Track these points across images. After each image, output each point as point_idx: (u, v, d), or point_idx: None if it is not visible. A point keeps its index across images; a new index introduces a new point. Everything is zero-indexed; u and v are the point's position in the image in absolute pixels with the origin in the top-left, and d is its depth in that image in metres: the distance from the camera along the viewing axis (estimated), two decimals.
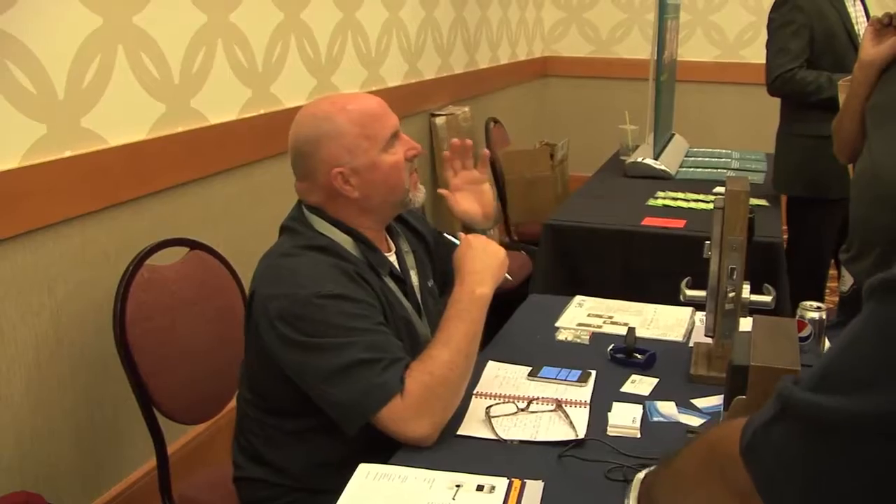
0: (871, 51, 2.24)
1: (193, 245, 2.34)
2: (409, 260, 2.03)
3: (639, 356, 2.05)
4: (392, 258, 1.95)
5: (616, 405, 1.83)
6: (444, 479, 1.53)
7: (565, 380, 1.95)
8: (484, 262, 1.85)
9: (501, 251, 1.90)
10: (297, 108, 1.90)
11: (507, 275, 1.92)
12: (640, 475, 1.21)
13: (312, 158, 1.83)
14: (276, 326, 1.71)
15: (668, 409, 1.83)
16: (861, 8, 3.71)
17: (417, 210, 2.06)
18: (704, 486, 0.85)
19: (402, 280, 1.94)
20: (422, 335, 1.93)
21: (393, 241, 2.00)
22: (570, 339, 2.23)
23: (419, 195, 1.93)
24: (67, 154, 2.32)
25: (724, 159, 4.70)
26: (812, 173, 3.62)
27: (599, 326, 2.29)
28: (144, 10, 2.55)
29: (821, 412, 0.70)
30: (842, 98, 2.47)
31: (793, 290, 3.08)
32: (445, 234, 1.99)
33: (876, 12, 2.23)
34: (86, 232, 2.41)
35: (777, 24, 3.73)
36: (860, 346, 0.72)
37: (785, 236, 3.55)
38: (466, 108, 5.12)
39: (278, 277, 1.75)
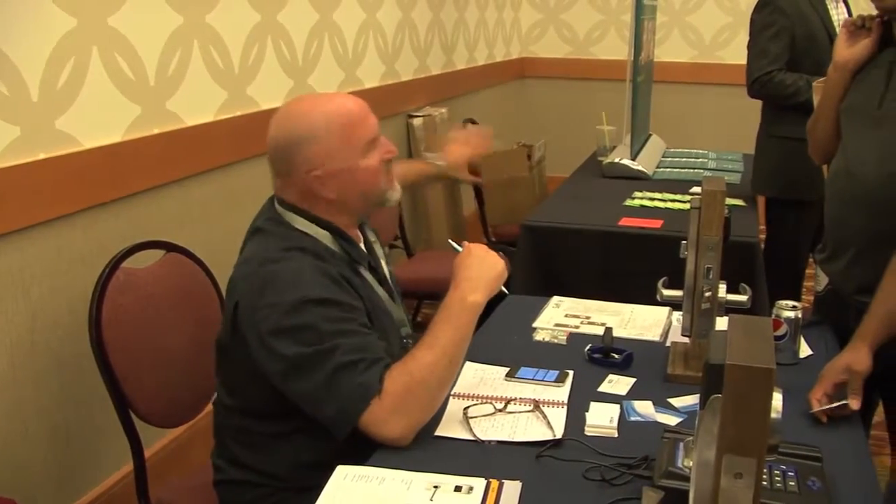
0: (844, 52, 2.26)
1: (170, 247, 2.33)
2: (378, 249, 2.05)
3: (616, 356, 2.06)
4: (363, 248, 1.96)
5: (593, 405, 1.84)
6: (421, 480, 1.53)
7: (543, 380, 1.95)
8: (480, 271, 1.85)
9: (501, 263, 1.89)
10: (274, 110, 1.89)
11: (503, 287, 1.92)
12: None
13: (291, 158, 1.82)
14: (264, 341, 1.71)
15: (645, 408, 1.84)
16: (844, 10, 3.73)
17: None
18: None
19: (375, 269, 1.95)
20: (398, 320, 1.95)
21: (362, 232, 2.01)
22: (547, 339, 2.23)
23: (396, 193, 1.94)
24: (41, 156, 2.30)
25: (700, 160, 4.72)
26: (790, 175, 3.64)
27: (577, 327, 2.30)
28: (119, 12, 2.54)
29: None
30: (816, 99, 2.48)
31: (770, 290, 3.10)
32: (450, 241, 2.00)
33: (857, 13, 2.24)
34: (61, 234, 2.39)
35: (758, 26, 3.75)
36: None
37: (762, 236, 3.57)
38: (444, 110, 5.12)
39: (261, 286, 1.73)
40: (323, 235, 1.84)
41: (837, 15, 3.67)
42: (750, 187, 3.88)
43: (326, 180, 1.81)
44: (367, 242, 2.01)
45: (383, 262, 2.05)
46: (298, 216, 1.85)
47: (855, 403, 1.76)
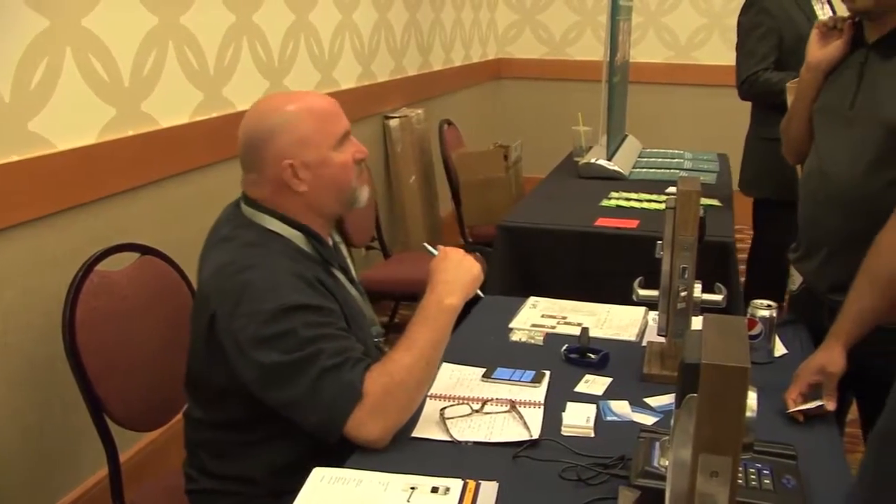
0: (817, 53, 2.27)
1: (144, 250, 2.31)
2: (343, 249, 2.05)
3: (592, 356, 2.07)
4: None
5: (570, 405, 1.84)
6: (398, 482, 1.53)
7: (519, 381, 1.96)
8: (457, 274, 1.85)
9: (477, 267, 1.90)
10: None
11: (478, 291, 1.92)
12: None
13: (263, 150, 1.81)
14: (244, 351, 1.69)
15: (621, 408, 1.84)
16: (829, 10, 3.76)
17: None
18: None
19: (346, 270, 1.95)
20: (369, 318, 1.96)
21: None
22: (524, 339, 2.23)
23: (364, 194, 1.93)
24: (14, 158, 2.28)
25: (676, 160, 4.74)
26: (782, 176, 3.65)
27: (553, 327, 2.30)
28: (93, 12, 2.52)
29: None
30: (790, 100, 2.49)
31: (757, 291, 3.11)
32: (425, 245, 2.00)
33: (843, 13, 2.25)
34: (35, 237, 2.37)
35: (745, 28, 3.77)
36: None
37: (738, 236, 3.58)
38: (420, 111, 5.12)
39: (237, 296, 1.71)
40: (295, 236, 1.83)
41: (823, 14, 3.70)
42: (740, 189, 3.90)
43: (299, 170, 1.80)
44: (333, 243, 2.00)
45: (349, 261, 2.04)
46: (269, 216, 1.83)
47: (830, 405, 1.77)
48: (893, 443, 0.70)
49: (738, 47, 3.83)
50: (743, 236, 5.88)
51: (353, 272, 2.02)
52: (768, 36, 3.66)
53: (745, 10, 3.82)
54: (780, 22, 3.64)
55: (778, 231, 3.79)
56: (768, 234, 3.84)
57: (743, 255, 5.22)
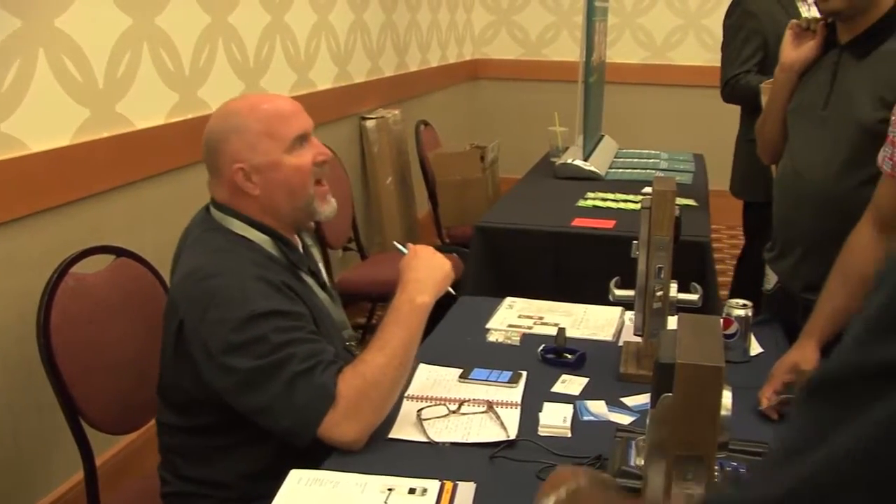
0: (791, 54, 2.29)
1: (120, 252, 2.30)
2: (316, 252, 2.04)
3: (569, 356, 2.07)
4: (301, 252, 1.96)
5: (547, 405, 1.84)
6: (376, 483, 1.53)
7: (496, 381, 1.96)
8: (428, 273, 1.85)
9: (447, 264, 1.90)
10: None
11: (450, 289, 1.92)
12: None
13: (218, 153, 1.81)
14: (214, 358, 1.69)
15: (598, 408, 1.85)
16: (815, 10, 3.77)
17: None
18: None
19: (315, 274, 1.94)
20: (339, 322, 1.95)
21: (298, 236, 2.00)
22: (500, 340, 2.24)
23: (327, 207, 1.91)
24: None
25: (653, 160, 4.76)
26: (772, 178, 3.67)
27: (530, 327, 2.31)
28: (66, 13, 2.51)
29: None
30: (764, 100, 2.51)
31: (744, 292, 3.11)
32: (395, 243, 2.00)
33: None
34: (8, 239, 2.36)
35: (730, 30, 3.78)
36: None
37: (714, 235, 3.60)
38: (397, 111, 5.12)
39: (205, 304, 1.70)
40: (263, 240, 1.82)
41: (808, 15, 3.71)
42: (731, 192, 3.91)
43: (251, 174, 1.80)
44: (304, 246, 2.00)
45: (321, 265, 2.04)
46: (235, 219, 1.83)
47: None
48: (823, 393, 0.69)
49: (723, 49, 3.85)
50: (720, 236, 5.93)
51: (325, 276, 2.02)
52: (752, 38, 3.67)
53: (729, 13, 3.84)
54: (765, 24, 3.65)
55: (769, 233, 3.81)
56: (761, 237, 3.86)
57: (721, 255, 5.26)
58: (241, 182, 1.80)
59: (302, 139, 1.84)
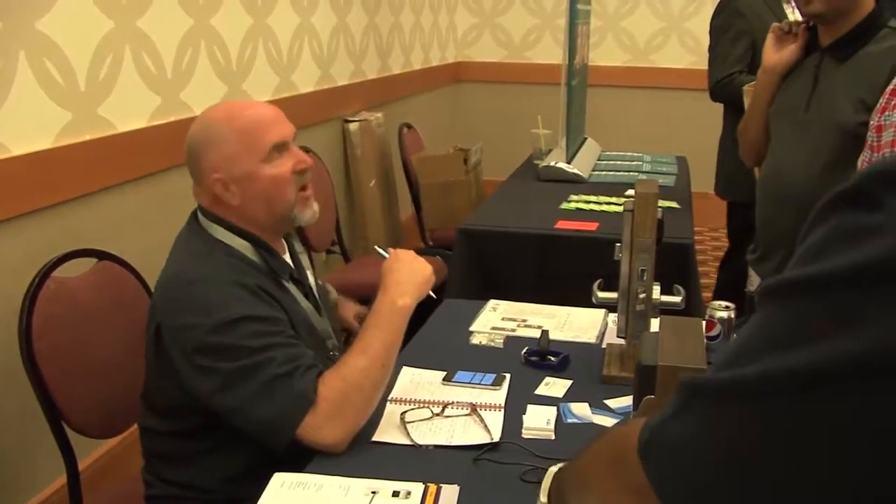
0: (773, 57, 2.31)
1: (101, 256, 2.29)
2: (304, 260, 2.04)
3: (552, 358, 2.07)
4: (287, 259, 1.95)
5: (530, 408, 1.85)
6: (359, 486, 1.53)
7: (480, 383, 1.96)
8: (409, 276, 1.86)
9: (428, 268, 1.91)
10: None
11: (430, 292, 1.92)
12: (553, 469, 1.21)
13: (198, 162, 1.82)
14: (191, 359, 1.69)
15: (581, 410, 1.85)
16: (799, 14, 3.79)
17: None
18: (604, 484, 0.85)
19: (300, 282, 1.94)
20: (322, 331, 1.94)
21: (287, 242, 1.99)
22: (484, 342, 2.23)
23: (308, 212, 1.91)
24: None
25: (636, 162, 4.77)
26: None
27: (513, 330, 2.31)
28: (48, 15, 2.50)
29: (735, 382, 0.64)
30: (747, 102, 2.53)
31: (727, 294, 3.13)
32: (376, 247, 2.00)
33: None
34: None
35: (718, 30, 3.79)
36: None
37: (697, 237, 3.61)
38: (380, 114, 5.11)
39: (183, 309, 1.71)
40: (243, 246, 1.82)
41: (794, 17, 3.73)
42: (716, 193, 3.92)
43: (229, 184, 1.80)
44: (292, 253, 1.99)
45: (309, 273, 2.03)
46: (218, 225, 1.83)
47: None
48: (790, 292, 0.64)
49: (710, 50, 3.85)
50: (702, 238, 5.94)
51: (312, 285, 2.01)
52: (741, 38, 3.68)
53: (717, 14, 3.85)
54: (753, 24, 3.66)
55: (753, 236, 3.83)
56: (748, 238, 3.88)
57: (703, 257, 5.28)
58: (219, 192, 1.81)
59: (280, 147, 1.83)
